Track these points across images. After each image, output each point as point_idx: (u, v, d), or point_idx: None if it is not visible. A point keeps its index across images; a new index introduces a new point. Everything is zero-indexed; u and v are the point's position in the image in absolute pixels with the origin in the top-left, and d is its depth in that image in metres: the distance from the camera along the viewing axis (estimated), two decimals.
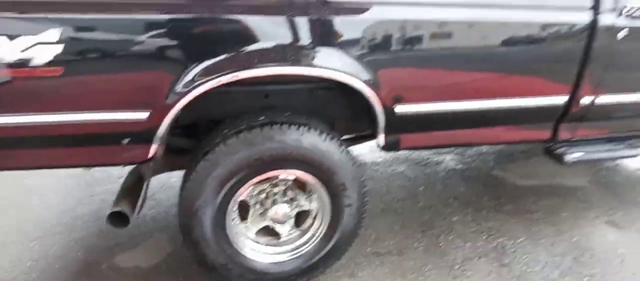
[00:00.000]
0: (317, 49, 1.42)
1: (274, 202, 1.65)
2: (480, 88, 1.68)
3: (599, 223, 2.26)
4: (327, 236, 1.67)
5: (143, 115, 1.37)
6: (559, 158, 1.91)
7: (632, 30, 1.71)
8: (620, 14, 1.68)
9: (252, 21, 1.34)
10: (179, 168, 1.82)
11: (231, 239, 1.59)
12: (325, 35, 1.42)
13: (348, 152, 1.60)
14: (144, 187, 1.52)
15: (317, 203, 1.65)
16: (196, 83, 1.34)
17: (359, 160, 2.97)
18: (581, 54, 1.69)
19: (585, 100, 1.80)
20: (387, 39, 1.46)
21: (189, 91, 1.34)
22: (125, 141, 1.41)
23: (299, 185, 1.65)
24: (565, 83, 1.75)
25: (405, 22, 1.47)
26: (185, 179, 1.57)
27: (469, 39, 1.58)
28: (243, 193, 1.55)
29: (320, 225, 1.68)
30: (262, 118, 1.52)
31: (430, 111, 1.65)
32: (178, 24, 1.31)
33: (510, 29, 1.61)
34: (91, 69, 1.29)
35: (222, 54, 1.34)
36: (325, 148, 1.51)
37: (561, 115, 1.85)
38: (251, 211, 1.66)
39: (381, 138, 1.64)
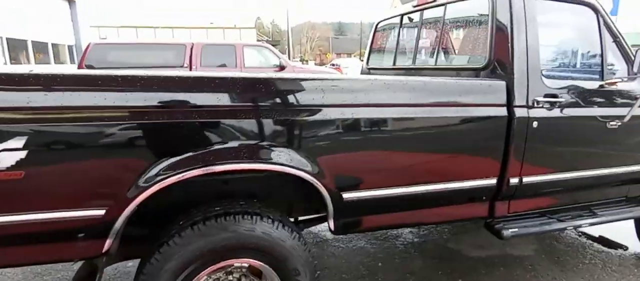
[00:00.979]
0: (269, 146, 1.57)
1: None
2: (418, 175, 1.86)
3: None
4: None
5: (100, 211, 1.43)
6: (497, 234, 2.08)
7: (543, 120, 1.99)
8: (532, 107, 1.98)
9: (212, 124, 1.50)
10: (134, 256, 1.83)
11: None
12: (275, 135, 1.58)
13: (300, 237, 1.69)
14: (97, 279, 1.53)
15: None
16: (159, 178, 1.44)
17: (319, 238, 3.05)
18: (503, 142, 1.95)
19: (514, 181, 2.03)
20: (331, 136, 1.65)
21: (151, 185, 1.44)
22: (80, 236, 1.45)
23: (254, 271, 1.71)
24: (494, 167, 1.98)
25: (347, 121, 1.67)
26: (139, 271, 1.59)
27: (408, 135, 1.80)
28: None
29: None
30: (217, 208, 1.61)
31: (376, 196, 1.80)
32: (143, 127, 1.43)
33: (440, 124, 1.84)
34: (53, 171, 1.36)
35: (185, 153, 1.47)
36: (278, 235, 1.60)
37: (495, 194, 2.06)
38: None
39: (331, 223, 1.76)
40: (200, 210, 1.61)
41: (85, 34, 14.52)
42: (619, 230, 2.99)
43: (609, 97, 2.18)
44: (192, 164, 1.46)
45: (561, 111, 2.05)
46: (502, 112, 1.93)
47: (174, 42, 8.23)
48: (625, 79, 2.19)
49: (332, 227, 1.77)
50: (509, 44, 1.97)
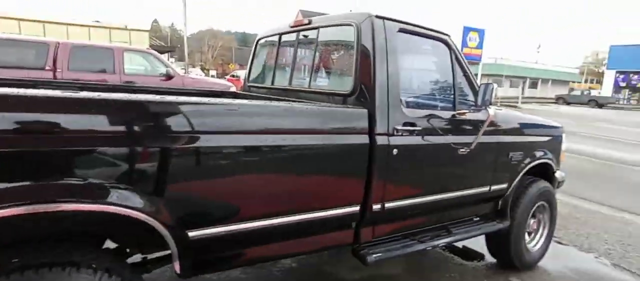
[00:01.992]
0: (85, 180, 1.29)
1: None
2: (279, 206, 1.75)
3: None
4: None
5: None
6: (362, 259, 2.08)
7: (402, 148, 2.07)
8: (392, 134, 2.04)
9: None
10: None
11: None
12: (98, 165, 1.31)
13: None
14: None
15: None
16: None
17: None
18: (366, 169, 1.96)
19: (376, 207, 2.06)
20: (174, 167, 1.44)
21: None
22: None
23: None
24: (358, 194, 1.98)
25: (193, 150, 1.47)
26: None
27: (266, 164, 1.68)
28: None
29: None
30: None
31: (230, 232, 1.63)
32: None
33: (301, 151, 1.76)
34: None
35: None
36: None
37: (359, 220, 2.06)
38: None
39: (176, 265, 1.53)
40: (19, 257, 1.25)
41: None
42: (480, 239, 3.32)
43: (459, 126, 2.39)
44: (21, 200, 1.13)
45: (419, 139, 2.16)
46: (364, 139, 1.94)
47: (34, 39, 7.00)
48: (472, 110, 2.43)
49: (177, 270, 1.55)
50: (371, 73, 2.01)
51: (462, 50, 27.63)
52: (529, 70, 41.58)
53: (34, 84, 2.35)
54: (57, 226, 1.39)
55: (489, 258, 3.23)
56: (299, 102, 2.36)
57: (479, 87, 2.35)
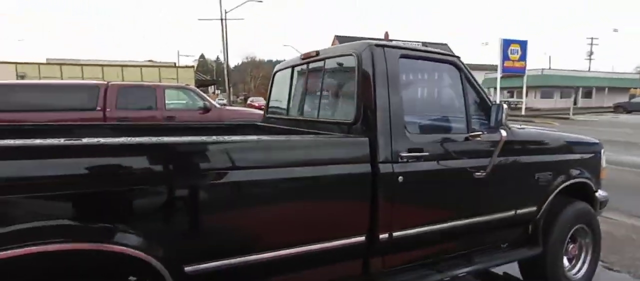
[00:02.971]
0: (77, 220, 1.39)
1: None
2: (279, 239, 1.77)
3: None
4: None
5: None
6: None
7: (409, 175, 2.03)
8: (396, 161, 2.01)
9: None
10: None
11: None
12: (89, 205, 1.41)
13: None
14: None
15: None
16: None
17: None
18: (369, 198, 1.94)
19: (384, 236, 2.01)
20: (171, 204, 1.51)
21: None
22: None
23: None
24: (363, 224, 1.95)
25: (190, 187, 1.54)
26: None
27: (260, 198, 1.71)
28: None
29: None
30: None
31: (233, 264, 1.67)
32: None
33: (297, 185, 1.78)
34: None
35: None
36: None
37: (367, 250, 2.02)
38: None
39: None
40: None
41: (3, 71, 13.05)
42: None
43: (473, 149, 2.30)
44: None
45: (428, 164, 2.11)
46: (366, 168, 1.93)
47: (85, 83, 7.72)
48: (486, 132, 2.33)
49: None
50: (372, 101, 2.01)
51: (503, 63, 26.80)
52: (581, 79, 38.97)
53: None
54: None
55: None
56: (307, 132, 2.40)
57: (490, 108, 2.26)
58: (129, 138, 1.60)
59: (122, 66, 26.01)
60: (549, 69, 39.97)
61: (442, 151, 2.17)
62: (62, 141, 1.44)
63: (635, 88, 45.24)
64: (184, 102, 8.58)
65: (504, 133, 2.12)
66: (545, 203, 2.68)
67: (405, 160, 2.03)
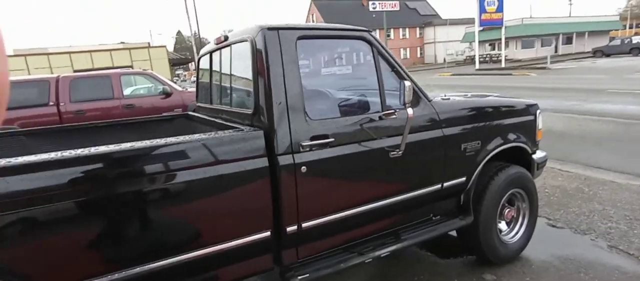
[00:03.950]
0: None
1: None
2: (174, 243, 1.70)
3: None
4: None
5: None
6: None
7: (313, 164, 1.95)
8: (298, 151, 1.92)
9: None
10: None
11: None
12: None
13: None
14: None
15: None
16: None
17: None
18: (270, 192, 1.86)
19: (291, 228, 1.95)
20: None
21: None
22: None
23: None
24: (266, 219, 1.88)
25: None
26: None
27: (158, 200, 1.64)
28: None
29: None
30: None
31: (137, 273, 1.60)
32: None
33: (194, 184, 1.69)
34: None
35: None
36: None
37: (275, 244, 1.97)
38: None
39: None
40: None
41: None
42: None
43: (389, 127, 2.21)
44: None
45: (336, 150, 2.03)
46: (263, 162, 1.84)
47: (35, 78, 7.36)
48: (400, 109, 2.24)
49: None
50: (267, 89, 1.90)
51: (480, 16, 26.50)
52: (561, 26, 38.85)
53: None
54: None
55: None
56: (224, 124, 2.29)
57: (400, 85, 2.15)
58: None
59: (91, 51, 25.08)
60: (530, 17, 39.69)
61: (352, 134, 2.08)
62: None
63: (616, 30, 45.28)
64: (145, 88, 8.31)
65: (410, 111, 2.03)
66: (475, 173, 2.65)
67: (307, 149, 1.94)
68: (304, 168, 1.92)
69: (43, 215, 1.41)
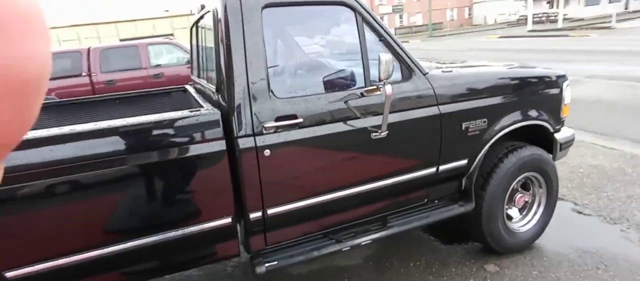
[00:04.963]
0: None
1: None
2: (133, 228, 1.66)
3: None
4: None
5: None
6: (252, 270, 1.91)
7: (278, 146, 1.79)
8: (260, 134, 1.77)
9: None
10: None
11: None
12: None
13: None
14: None
15: None
16: None
17: None
18: (229, 177, 1.74)
19: (256, 215, 1.84)
20: None
21: None
22: None
23: None
24: (226, 205, 1.78)
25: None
26: None
27: (111, 186, 1.59)
28: None
29: None
30: None
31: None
32: None
33: (148, 168, 1.62)
34: None
35: None
36: None
37: (239, 230, 1.87)
38: None
39: None
40: None
41: None
42: None
43: (371, 106, 1.99)
44: None
45: (305, 131, 1.85)
46: (220, 146, 1.71)
47: (69, 50, 7.68)
48: (392, 83, 1.99)
49: None
50: (227, 64, 1.74)
51: None
52: None
53: None
54: None
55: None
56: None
57: (379, 58, 1.89)
58: None
59: (135, 21, 26.00)
60: None
61: (327, 113, 1.89)
62: None
63: None
64: (174, 57, 8.41)
65: (389, 89, 1.78)
66: (479, 155, 2.36)
67: (272, 130, 1.78)
68: (267, 152, 1.77)
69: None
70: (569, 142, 2.78)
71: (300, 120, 1.82)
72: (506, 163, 2.43)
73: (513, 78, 2.45)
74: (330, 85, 1.97)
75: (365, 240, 2.13)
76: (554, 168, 2.63)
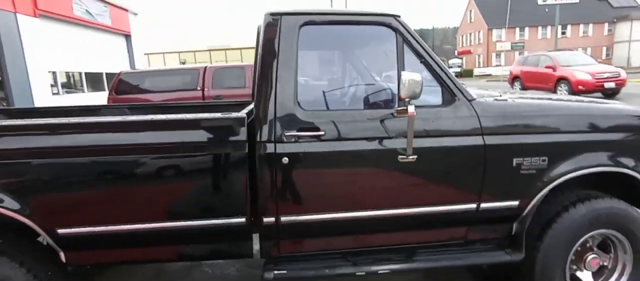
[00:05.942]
0: None
1: None
2: (154, 214, 1.85)
3: None
4: None
5: None
6: (261, 275, 1.95)
7: (298, 156, 1.85)
8: (281, 141, 1.85)
9: None
10: None
11: None
12: None
13: None
14: None
15: None
16: None
17: None
18: (246, 179, 1.85)
19: (269, 220, 1.90)
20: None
21: None
22: None
23: None
24: (241, 205, 1.87)
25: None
26: None
27: (144, 177, 1.82)
28: None
29: None
30: None
31: (107, 232, 1.84)
32: None
33: (174, 163, 1.81)
34: None
35: None
36: None
37: (254, 233, 1.95)
38: None
39: (62, 255, 1.86)
40: None
41: (140, 61, 16.53)
42: None
43: (400, 128, 1.92)
44: None
45: (327, 145, 1.87)
46: (243, 148, 1.83)
47: (189, 68, 9.00)
48: (427, 107, 1.89)
49: (63, 259, 1.87)
50: (261, 76, 1.88)
51: None
52: None
53: None
54: None
55: None
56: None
57: (398, 78, 1.82)
58: None
59: (225, 50, 30.20)
60: None
61: (351, 129, 1.89)
62: None
63: None
64: None
65: (412, 109, 1.70)
66: (535, 198, 2.06)
67: (293, 140, 1.85)
68: (285, 159, 1.84)
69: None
70: None
71: (322, 132, 1.86)
72: (572, 213, 2.07)
73: (585, 114, 2.10)
74: (360, 103, 1.97)
75: (383, 268, 2.01)
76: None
